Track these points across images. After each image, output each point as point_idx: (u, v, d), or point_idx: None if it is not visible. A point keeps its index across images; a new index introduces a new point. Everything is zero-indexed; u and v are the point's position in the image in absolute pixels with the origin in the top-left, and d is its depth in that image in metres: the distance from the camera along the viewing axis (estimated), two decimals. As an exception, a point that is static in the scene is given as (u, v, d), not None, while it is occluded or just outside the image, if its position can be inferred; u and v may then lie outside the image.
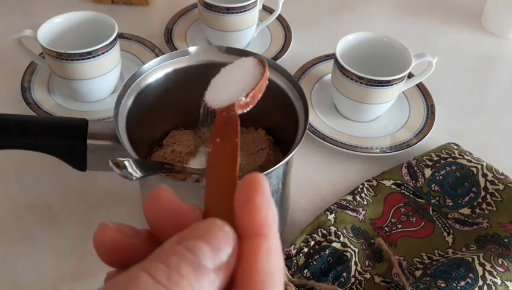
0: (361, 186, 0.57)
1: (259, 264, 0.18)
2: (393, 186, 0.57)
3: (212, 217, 0.18)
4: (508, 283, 0.46)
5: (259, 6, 0.73)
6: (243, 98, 0.27)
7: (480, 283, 0.46)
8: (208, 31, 0.74)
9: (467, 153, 0.59)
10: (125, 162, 0.37)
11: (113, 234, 0.19)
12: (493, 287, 0.46)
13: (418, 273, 0.49)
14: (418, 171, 0.58)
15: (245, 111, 0.27)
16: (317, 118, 0.66)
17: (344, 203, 0.55)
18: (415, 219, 0.55)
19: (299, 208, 0.57)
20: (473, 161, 0.57)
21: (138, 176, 0.37)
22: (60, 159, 0.45)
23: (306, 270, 0.48)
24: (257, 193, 0.18)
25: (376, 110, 0.65)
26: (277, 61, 0.70)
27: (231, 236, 0.18)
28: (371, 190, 0.57)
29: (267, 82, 0.30)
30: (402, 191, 0.57)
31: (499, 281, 0.46)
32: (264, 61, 0.31)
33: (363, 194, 0.56)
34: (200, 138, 0.55)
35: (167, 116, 0.54)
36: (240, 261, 0.18)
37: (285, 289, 0.46)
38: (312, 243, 0.50)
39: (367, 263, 0.51)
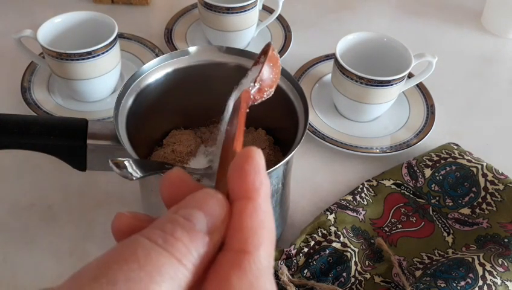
0: (361, 186, 0.57)
1: (244, 223, 0.19)
2: (393, 186, 0.57)
3: (217, 190, 0.20)
4: (508, 283, 0.46)
5: (259, 6, 0.73)
6: (252, 84, 0.28)
7: (480, 283, 0.46)
8: (207, 31, 0.74)
9: (467, 153, 0.59)
10: (125, 162, 0.37)
11: (130, 221, 0.21)
12: (493, 287, 0.46)
13: (418, 273, 0.49)
14: (418, 171, 0.58)
15: (265, 96, 0.29)
16: (317, 118, 0.66)
17: (344, 203, 0.55)
18: (415, 219, 0.55)
19: (299, 208, 0.57)
20: (473, 161, 0.57)
21: (138, 176, 0.37)
22: (60, 159, 0.45)
23: (306, 270, 0.48)
24: (247, 162, 0.20)
25: (376, 110, 0.65)
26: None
27: (223, 202, 0.20)
28: (371, 190, 0.57)
29: (278, 62, 0.31)
30: (402, 191, 0.57)
31: (499, 281, 0.46)
32: (269, 45, 0.32)
33: (363, 194, 0.56)
34: (200, 138, 0.55)
35: (167, 116, 0.54)
36: (229, 222, 0.20)
37: (285, 289, 0.46)
38: (312, 243, 0.50)
39: (367, 263, 0.51)
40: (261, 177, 0.20)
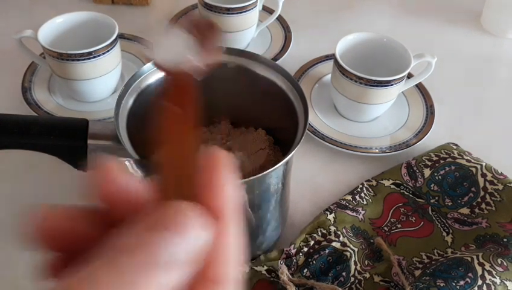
0: (360, 186, 0.57)
1: (224, 250, 0.17)
2: (392, 186, 0.57)
3: (171, 195, 0.17)
4: (507, 283, 0.46)
5: (259, 7, 0.74)
6: (198, 58, 0.23)
7: (480, 282, 0.46)
8: (208, 31, 0.74)
9: (466, 153, 0.59)
10: (125, 162, 0.37)
11: (60, 223, 0.18)
12: (492, 287, 0.46)
13: (417, 272, 0.49)
14: (417, 171, 0.58)
15: (202, 76, 0.24)
16: (317, 118, 0.66)
17: (344, 203, 0.55)
18: (414, 218, 0.55)
19: (299, 208, 0.57)
20: (472, 161, 0.58)
21: (138, 176, 0.38)
22: (60, 159, 0.45)
23: (306, 269, 0.49)
24: (220, 173, 0.18)
25: (375, 110, 0.65)
26: (277, 62, 0.70)
27: (209, 230, 0.17)
28: (370, 189, 0.57)
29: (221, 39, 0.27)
30: (401, 191, 0.57)
31: (498, 281, 0.46)
32: (209, 22, 0.26)
33: (362, 194, 0.56)
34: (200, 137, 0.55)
35: (167, 116, 0.54)
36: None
37: (285, 289, 0.46)
38: (312, 242, 0.50)
39: (366, 263, 0.51)
40: (237, 193, 0.18)
